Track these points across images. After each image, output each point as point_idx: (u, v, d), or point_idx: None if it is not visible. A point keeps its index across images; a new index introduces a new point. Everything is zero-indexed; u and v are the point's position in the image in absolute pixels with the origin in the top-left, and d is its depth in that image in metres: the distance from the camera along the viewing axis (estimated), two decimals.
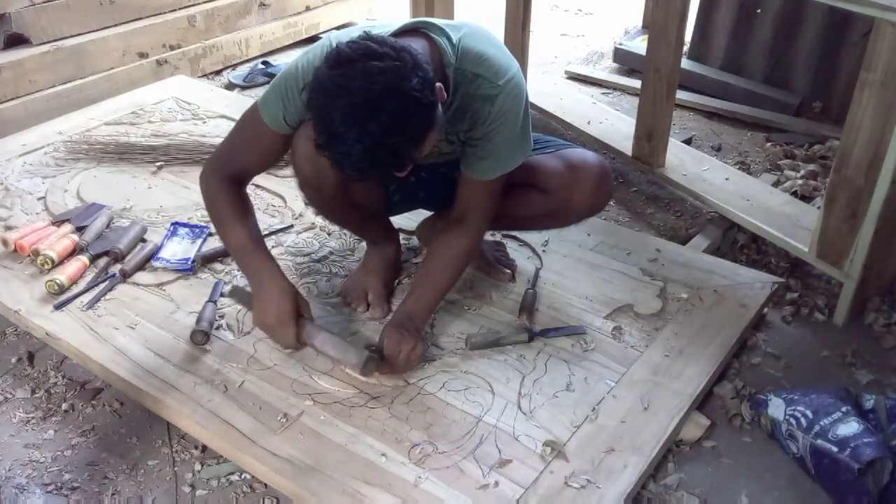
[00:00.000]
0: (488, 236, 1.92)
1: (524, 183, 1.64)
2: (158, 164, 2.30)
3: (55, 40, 2.82)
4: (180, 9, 3.18)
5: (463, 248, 1.58)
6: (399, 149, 1.26)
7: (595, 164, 1.64)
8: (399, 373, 1.54)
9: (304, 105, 1.45)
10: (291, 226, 2.01)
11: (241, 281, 1.82)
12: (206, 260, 1.87)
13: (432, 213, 1.88)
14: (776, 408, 1.51)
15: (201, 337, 1.62)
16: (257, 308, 1.54)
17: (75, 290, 1.78)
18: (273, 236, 1.96)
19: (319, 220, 1.99)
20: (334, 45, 1.33)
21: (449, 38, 1.41)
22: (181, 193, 2.18)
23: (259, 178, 2.20)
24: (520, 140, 1.51)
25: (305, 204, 2.01)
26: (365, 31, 1.31)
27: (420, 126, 1.28)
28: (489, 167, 1.52)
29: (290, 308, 1.51)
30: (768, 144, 2.66)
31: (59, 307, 1.72)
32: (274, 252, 1.86)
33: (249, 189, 2.16)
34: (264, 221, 2.03)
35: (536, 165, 1.61)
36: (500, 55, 1.45)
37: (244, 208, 1.58)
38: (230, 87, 3.18)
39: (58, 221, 2.00)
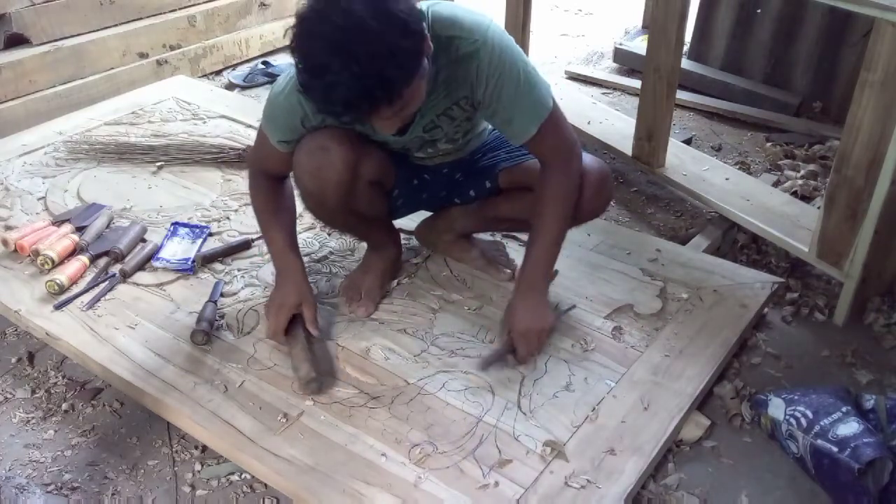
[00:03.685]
0: (487, 236, 1.92)
1: (524, 186, 1.63)
2: (158, 164, 2.30)
3: (55, 40, 2.83)
4: (180, 9, 3.18)
5: (561, 191, 1.53)
6: (389, 77, 1.21)
7: (595, 169, 1.60)
8: (533, 354, 1.57)
9: (292, 125, 1.47)
10: None
11: (239, 282, 1.82)
12: (206, 260, 1.87)
13: (432, 213, 1.88)
14: (776, 408, 1.51)
15: (201, 337, 1.62)
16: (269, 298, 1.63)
17: (75, 290, 1.78)
18: None
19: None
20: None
21: (419, 10, 1.39)
22: (181, 193, 2.18)
23: None
24: (534, 82, 1.45)
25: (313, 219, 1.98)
26: None
27: (410, 53, 1.23)
28: (525, 122, 1.47)
29: (289, 305, 1.57)
30: (768, 144, 2.66)
31: (59, 307, 1.72)
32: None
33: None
34: None
35: (536, 169, 1.58)
36: (470, 15, 1.42)
37: (278, 206, 1.62)
38: (230, 87, 3.18)
39: (58, 221, 2.00)
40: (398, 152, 1.62)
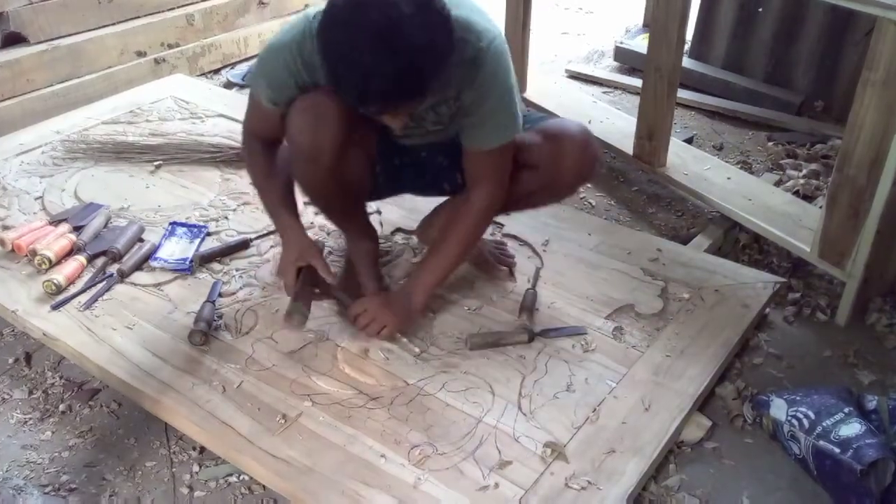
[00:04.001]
0: (488, 235, 1.91)
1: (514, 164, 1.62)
2: (156, 163, 2.29)
3: (53, 39, 2.81)
4: (178, 7, 3.17)
5: (469, 223, 1.59)
6: (426, 74, 1.24)
7: (576, 130, 1.61)
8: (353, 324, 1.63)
9: (284, 82, 1.46)
10: None
11: (237, 282, 1.81)
12: (204, 260, 1.87)
13: (430, 211, 1.87)
14: (778, 408, 1.50)
15: (199, 337, 1.61)
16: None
17: (73, 290, 1.77)
18: (272, 236, 1.95)
19: (319, 220, 1.98)
20: (312, 16, 1.37)
21: None
22: (179, 193, 2.17)
23: None
24: (515, 104, 1.50)
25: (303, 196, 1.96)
26: None
27: (445, 51, 1.26)
28: (489, 134, 1.50)
29: (292, 259, 1.60)
30: (770, 144, 2.65)
31: (56, 307, 1.72)
32: (274, 251, 1.88)
33: (248, 188, 2.17)
34: (263, 221, 2.02)
35: (518, 143, 1.58)
36: (482, 20, 1.43)
37: (272, 169, 1.62)
38: (228, 85, 3.17)
39: (55, 221, 1.99)
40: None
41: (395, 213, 2.01)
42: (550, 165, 1.59)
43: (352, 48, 1.21)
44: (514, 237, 1.97)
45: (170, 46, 3.14)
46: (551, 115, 2.56)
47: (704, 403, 1.58)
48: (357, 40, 1.20)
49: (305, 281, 1.61)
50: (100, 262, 1.86)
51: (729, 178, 2.20)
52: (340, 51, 1.23)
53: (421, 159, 1.70)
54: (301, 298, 1.59)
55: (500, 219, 1.98)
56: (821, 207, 1.86)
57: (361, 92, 1.25)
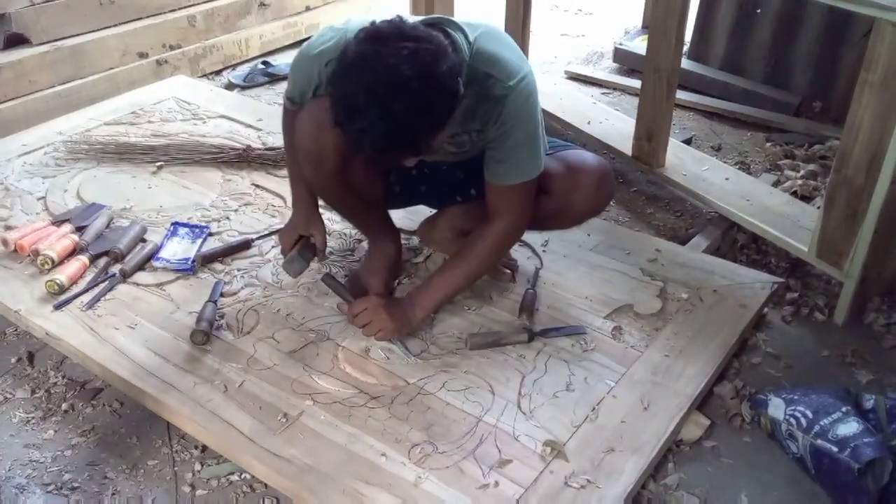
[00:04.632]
0: None
1: None
2: (158, 164, 2.30)
3: (55, 40, 2.82)
4: (180, 9, 3.17)
5: (484, 247, 1.60)
6: (419, 134, 1.27)
7: (594, 165, 1.63)
8: (350, 319, 1.65)
9: (305, 89, 1.49)
10: None
11: (239, 282, 1.82)
12: (206, 260, 1.87)
13: (434, 211, 1.88)
14: (776, 408, 1.51)
15: (201, 337, 1.62)
16: None
17: (75, 290, 1.78)
18: (273, 236, 1.95)
19: None
20: (349, 28, 1.39)
21: (465, 36, 1.41)
22: (181, 193, 2.18)
23: (259, 178, 2.23)
24: (538, 143, 1.51)
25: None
26: (398, 16, 1.32)
27: (443, 113, 1.29)
28: (509, 171, 1.51)
29: (295, 226, 1.71)
30: (768, 144, 2.66)
31: (58, 307, 1.72)
32: (275, 251, 1.89)
33: (250, 189, 2.18)
34: (264, 221, 2.03)
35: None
36: (513, 57, 1.45)
37: None
38: (230, 87, 3.18)
39: (58, 221, 2.00)
40: None
41: (396, 214, 2.01)
42: (564, 195, 1.62)
43: (352, 104, 1.25)
44: None
45: (171, 48, 3.15)
46: (570, 137, 2.57)
47: (703, 403, 1.59)
48: (355, 95, 1.24)
49: (303, 247, 1.70)
50: (102, 262, 1.87)
51: (727, 179, 2.21)
52: (343, 103, 1.27)
53: (441, 172, 1.72)
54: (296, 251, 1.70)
55: None
56: (819, 208, 1.87)
57: (354, 142, 1.29)
